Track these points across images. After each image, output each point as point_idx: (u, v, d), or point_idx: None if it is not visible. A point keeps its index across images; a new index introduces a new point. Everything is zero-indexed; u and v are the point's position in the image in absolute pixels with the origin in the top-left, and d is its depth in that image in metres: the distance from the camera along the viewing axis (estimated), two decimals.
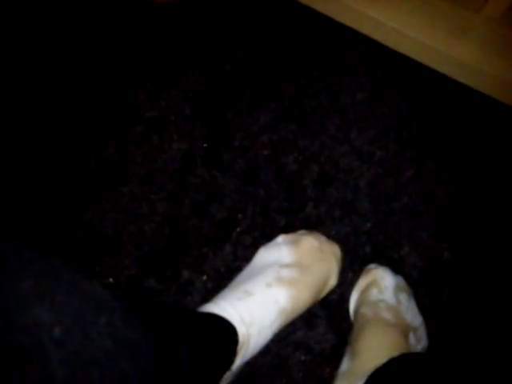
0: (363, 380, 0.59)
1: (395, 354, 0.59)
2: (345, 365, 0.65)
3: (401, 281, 0.74)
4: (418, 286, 0.80)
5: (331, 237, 0.82)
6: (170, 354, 0.43)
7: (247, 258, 0.78)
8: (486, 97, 0.90)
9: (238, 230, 0.82)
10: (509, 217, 0.86)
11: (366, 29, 0.88)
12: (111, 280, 0.78)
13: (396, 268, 0.80)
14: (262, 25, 1.01)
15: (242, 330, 0.58)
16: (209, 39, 0.99)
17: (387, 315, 0.67)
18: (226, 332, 0.57)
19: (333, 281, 0.71)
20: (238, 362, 0.59)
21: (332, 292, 0.75)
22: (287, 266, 0.66)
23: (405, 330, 0.66)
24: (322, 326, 0.76)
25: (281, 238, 0.72)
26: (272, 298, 0.63)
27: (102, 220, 0.82)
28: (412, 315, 0.70)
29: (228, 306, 0.59)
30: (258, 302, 0.61)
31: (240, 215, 0.83)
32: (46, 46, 0.96)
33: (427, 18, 0.83)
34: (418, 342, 0.68)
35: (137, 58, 0.96)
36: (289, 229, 0.82)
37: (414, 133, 0.93)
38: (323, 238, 0.72)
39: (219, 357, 0.56)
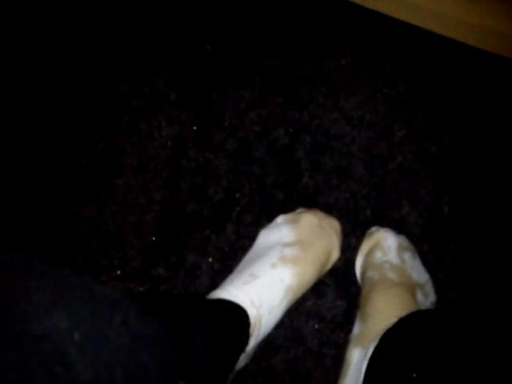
0: (376, 342, 0.60)
1: (404, 313, 0.61)
2: (357, 328, 0.67)
3: (404, 240, 0.76)
4: (422, 243, 0.82)
5: (330, 205, 0.83)
6: (186, 344, 0.45)
7: (250, 236, 0.79)
8: (468, 46, 0.89)
9: (238, 209, 0.83)
10: (504, 165, 0.87)
11: None
12: (119, 272, 0.79)
13: (398, 228, 0.81)
14: (239, 2, 1.00)
15: (252, 312, 0.60)
16: (185, 20, 0.98)
17: (393, 275, 0.68)
18: (237, 316, 0.59)
19: (335, 254, 0.72)
20: (252, 343, 0.61)
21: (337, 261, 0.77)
22: (289, 244, 0.68)
23: (411, 288, 0.68)
24: (331, 293, 0.77)
25: (280, 219, 0.73)
26: (277, 278, 0.65)
27: (102, 215, 0.83)
28: (417, 273, 0.71)
29: (236, 291, 0.61)
30: (265, 284, 0.63)
31: (238, 194, 0.84)
32: (22, 42, 0.95)
33: None
34: (426, 298, 0.69)
35: (116, 47, 0.95)
36: (287, 202, 0.83)
37: (402, 92, 0.93)
38: (322, 214, 0.73)
39: (233, 341, 0.57)
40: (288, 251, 0.67)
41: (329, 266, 0.72)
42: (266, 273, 0.64)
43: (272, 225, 0.73)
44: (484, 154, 0.88)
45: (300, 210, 0.76)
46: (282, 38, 0.97)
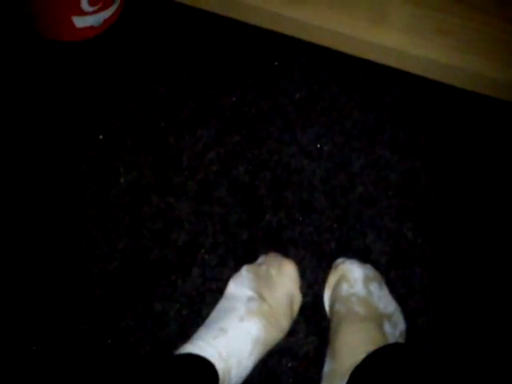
0: (345, 380, 0.63)
1: (371, 348, 0.64)
2: (327, 366, 0.69)
3: (370, 270, 0.79)
4: (389, 271, 0.85)
5: (295, 240, 0.87)
6: None
7: (216, 278, 0.82)
8: (417, 77, 0.95)
9: (202, 251, 0.85)
10: (466, 188, 0.92)
11: (289, 30, 0.92)
12: (86, 326, 0.80)
13: (364, 258, 0.84)
14: (188, 43, 1.04)
15: (220, 366, 0.64)
16: (137, 66, 1.02)
17: (359, 308, 0.71)
18: (206, 371, 0.63)
19: (297, 298, 0.76)
20: None
21: (305, 295, 0.80)
22: (253, 298, 0.72)
23: (379, 320, 0.71)
24: (302, 330, 0.80)
25: (244, 270, 0.77)
26: (245, 331, 0.69)
27: (64, 267, 0.84)
28: (385, 303, 0.74)
29: (206, 346, 0.66)
30: (233, 337, 0.68)
31: (201, 236, 0.87)
32: None
33: (346, 10, 0.88)
34: (395, 328, 0.73)
35: (68, 98, 0.98)
36: (252, 241, 0.85)
37: (357, 121, 0.98)
38: (278, 260, 0.77)
39: None
40: (253, 304, 0.71)
41: (295, 310, 0.76)
42: (234, 326, 0.69)
43: (237, 275, 0.77)
44: (443, 178, 0.93)
45: (261, 258, 0.80)
46: (235, 76, 1.01)
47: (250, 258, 0.82)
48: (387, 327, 0.71)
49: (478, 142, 0.96)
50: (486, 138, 0.97)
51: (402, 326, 0.74)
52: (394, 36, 0.88)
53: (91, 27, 0.98)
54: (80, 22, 0.96)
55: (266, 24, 0.94)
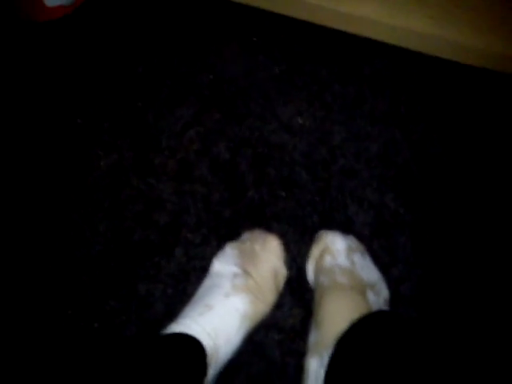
0: (330, 349, 0.64)
1: (355, 316, 0.65)
2: (312, 337, 0.70)
3: (352, 241, 0.80)
4: (372, 241, 0.86)
5: (278, 215, 0.87)
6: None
7: (200, 257, 0.83)
8: (396, 47, 0.95)
9: (185, 231, 0.85)
10: (446, 157, 0.93)
11: (266, 5, 0.92)
12: (70, 312, 0.81)
13: (347, 229, 0.85)
14: (163, 20, 1.03)
15: (208, 343, 0.64)
16: (112, 45, 1.01)
17: (343, 279, 0.72)
18: (194, 348, 0.63)
19: (282, 272, 0.77)
20: (212, 372, 0.64)
21: (289, 268, 0.80)
22: (239, 274, 0.72)
23: (362, 289, 0.72)
24: (287, 302, 0.80)
25: (228, 248, 0.78)
26: (232, 307, 0.69)
27: (47, 253, 0.84)
28: (368, 272, 0.75)
29: (192, 323, 0.65)
30: (220, 314, 0.68)
31: (184, 216, 0.87)
32: None
33: None
34: (379, 296, 0.73)
35: (43, 80, 0.97)
36: (235, 218, 0.86)
37: (338, 95, 0.98)
38: (262, 237, 0.77)
39: (192, 373, 0.61)
40: (239, 280, 0.71)
41: (281, 284, 0.77)
42: (220, 303, 0.69)
43: (221, 253, 0.77)
44: (424, 148, 0.94)
45: (245, 234, 0.80)
46: (214, 54, 1.01)
47: (234, 236, 0.82)
48: (371, 296, 0.72)
49: (458, 110, 0.97)
50: (465, 106, 0.97)
51: (385, 294, 0.75)
52: (370, 6, 0.88)
53: (62, 6, 0.98)
54: (51, 0, 0.95)
55: None
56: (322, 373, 0.63)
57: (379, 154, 0.93)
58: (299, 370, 0.74)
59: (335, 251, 0.76)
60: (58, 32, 1.01)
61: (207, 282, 0.75)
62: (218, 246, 0.82)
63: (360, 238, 0.83)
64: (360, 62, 1.01)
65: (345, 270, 0.74)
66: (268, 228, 0.85)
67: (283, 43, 1.02)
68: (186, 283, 0.82)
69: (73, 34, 1.01)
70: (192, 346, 0.64)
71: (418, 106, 0.97)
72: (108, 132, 0.93)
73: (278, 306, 0.79)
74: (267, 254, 0.75)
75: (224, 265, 0.75)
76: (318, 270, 0.77)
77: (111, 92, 0.97)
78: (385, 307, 0.74)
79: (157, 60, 1.00)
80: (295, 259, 0.83)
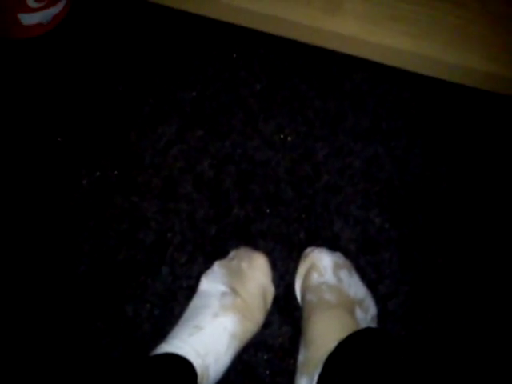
0: (319, 368, 0.64)
1: (343, 335, 0.65)
2: (301, 356, 0.71)
3: (339, 257, 0.80)
4: (358, 257, 0.87)
5: (264, 232, 0.87)
6: None
7: (186, 275, 0.82)
8: (376, 63, 0.97)
9: (171, 249, 0.85)
10: (429, 171, 0.94)
11: (246, 22, 0.93)
12: (56, 332, 0.79)
13: (333, 246, 0.86)
14: (144, 38, 1.03)
15: (198, 363, 0.64)
16: (93, 63, 1.00)
17: (330, 296, 0.73)
18: (184, 368, 0.63)
19: (270, 290, 0.77)
20: None
21: (277, 286, 0.81)
22: (226, 293, 0.73)
23: (350, 307, 0.72)
24: (276, 321, 0.81)
25: (216, 266, 0.78)
26: (220, 327, 0.69)
27: (32, 273, 0.83)
28: (355, 289, 0.76)
29: (181, 344, 0.66)
30: (209, 334, 0.68)
31: (169, 234, 0.87)
32: None
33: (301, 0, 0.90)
34: (367, 313, 0.74)
35: (23, 98, 0.96)
36: (220, 236, 0.86)
37: (319, 110, 0.99)
38: (249, 254, 0.77)
39: None
40: (227, 299, 0.72)
41: (269, 302, 0.77)
42: (209, 323, 0.69)
43: (210, 271, 0.77)
44: (406, 162, 0.95)
45: (232, 252, 0.80)
46: (195, 71, 1.01)
47: (220, 254, 0.82)
48: (358, 313, 0.72)
49: (439, 125, 0.99)
50: (446, 120, 0.99)
51: (373, 310, 0.76)
52: (350, 24, 0.90)
53: (39, 24, 0.97)
54: (26, 19, 0.94)
55: (222, 16, 0.94)
56: None
57: (362, 169, 0.94)
58: None
59: (322, 268, 0.77)
60: (38, 50, 1.00)
61: (196, 301, 0.75)
62: (205, 265, 0.82)
63: (346, 254, 0.84)
64: (340, 77, 1.02)
65: (332, 287, 0.74)
66: (254, 245, 0.85)
67: (263, 59, 1.03)
68: (173, 303, 0.81)
69: (53, 51, 1.00)
70: (182, 367, 0.64)
71: (400, 120, 0.98)
72: (90, 150, 0.92)
73: (267, 324, 0.79)
74: (254, 272, 0.75)
75: (212, 283, 0.75)
76: (306, 287, 0.77)
77: (92, 110, 0.96)
78: (373, 324, 0.75)
79: (138, 78, 0.99)
80: (283, 277, 0.84)
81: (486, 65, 0.88)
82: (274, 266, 0.82)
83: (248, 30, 1.01)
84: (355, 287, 0.77)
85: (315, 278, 0.77)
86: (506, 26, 0.92)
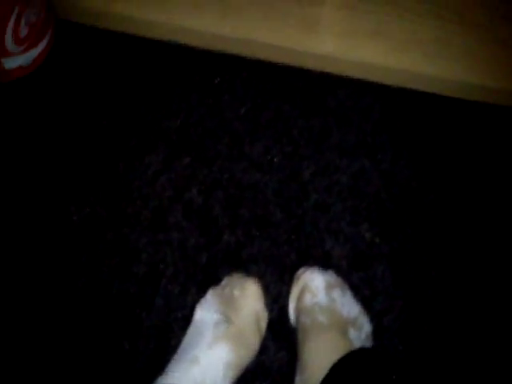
0: None
1: (336, 358, 0.66)
2: (297, 380, 0.71)
3: (331, 276, 0.81)
4: (351, 274, 0.87)
5: (255, 256, 0.88)
6: None
7: (181, 306, 0.83)
8: (358, 79, 0.98)
9: (164, 281, 0.86)
10: (415, 182, 0.95)
11: (226, 48, 0.94)
12: (53, 371, 0.80)
13: (325, 264, 0.86)
14: (126, 70, 1.04)
15: None
16: (76, 100, 1.01)
17: (323, 318, 0.73)
18: None
19: (264, 315, 0.78)
20: None
21: (271, 310, 0.81)
22: (220, 321, 0.73)
23: (343, 327, 0.73)
24: (272, 346, 0.81)
25: (209, 294, 0.78)
26: (216, 357, 0.70)
27: (28, 314, 0.83)
28: (348, 308, 0.76)
29: (180, 376, 0.67)
30: (205, 365, 0.69)
31: (161, 265, 0.87)
32: None
33: (280, 21, 0.90)
34: (360, 331, 0.74)
35: (7, 139, 0.97)
36: (212, 263, 0.86)
37: (304, 130, 1.00)
38: (240, 281, 0.78)
39: None
40: (221, 328, 0.72)
41: (263, 327, 0.78)
42: (205, 353, 0.70)
43: (203, 300, 0.78)
44: (393, 175, 0.96)
45: (225, 280, 0.81)
46: (178, 99, 1.02)
47: (213, 282, 0.82)
48: (352, 333, 0.73)
49: (423, 137, 0.99)
50: (429, 132, 1.00)
51: (367, 328, 0.76)
52: (328, 42, 0.91)
53: (20, 67, 0.98)
54: (8, 63, 0.95)
55: (201, 43, 0.95)
56: None
57: (350, 185, 0.95)
58: None
59: (314, 289, 0.77)
60: (20, 91, 1.01)
61: (191, 331, 0.75)
62: (198, 294, 0.82)
63: (339, 271, 0.85)
64: (323, 94, 1.03)
65: (325, 308, 0.75)
66: (246, 270, 0.85)
67: (246, 82, 1.04)
68: (168, 335, 0.82)
69: (35, 91, 1.01)
70: None
71: (384, 134, 0.99)
72: (78, 186, 0.93)
73: (263, 350, 0.79)
74: (247, 299, 0.76)
75: (206, 312, 0.76)
76: (299, 309, 0.78)
77: (78, 147, 0.97)
78: (368, 342, 0.75)
79: (122, 110, 1.00)
80: (276, 300, 0.84)
81: (466, 75, 0.89)
82: (266, 289, 0.83)
83: (229, 54, 1.02)
84: (348, 306, 0.77)
85: (308, 299, 0.77)
86: (484, 36, 0.93)
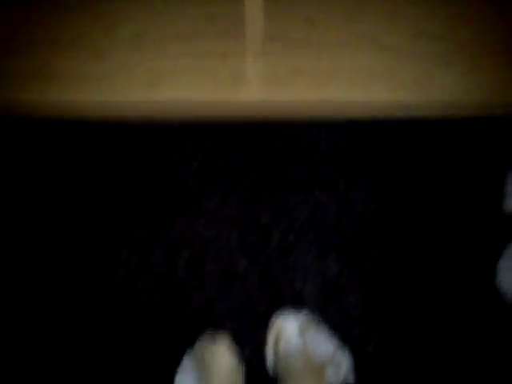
0: None
1: None
2: None
3: (304, 318, 0.81)
4: (325, 309, 0.87)
5: (228, 309, 0.88)
6: None
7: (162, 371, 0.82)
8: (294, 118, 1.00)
9: (141, 349, 0.85)
10: (372, 202, 0.96)
11: (158, 112, 0.96)
12: None
13: (298, 303, 0.86)
14: (62, 159, 1.06)
15: None
16: (46, 208, 1.02)
17: (298, 363, 0.73)
18: None
19: (238, 370, 0.78)
20: None
21: (249, 362, 0.81)
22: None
23: (319, 369, 0.73)
24: None
25: (185, 360, 0.79)
26: None
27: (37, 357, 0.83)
28: (324, 347, 0.76)
29: None
30: None
31: (136, 334, 0.87)
32: None
33: (211, 77, 0.93)
34: (339, 368, 0.74)
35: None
36: (184, 325, 0.86)
37: (255, 177, 1.01)
38: (211, 342, 0.78)
39: None
40: None
41: (239, 381, 0.77)
42: None
43: (181, 367, 0.79)
44: (348, 201, 0.96)
45: (198, 343, 0.81)
46: (136, 171, 1.03)
47: (188, 345, 0.82)
48: (329, 372, 0.73)
49: (370, 158, 1.01)
50: (375, 153, 1.01)
51: (346, 362, 0.76)
52: (256, 89, 0.93)
53: None
54: None
55: (137, 112, 0.97)
56: None
57: (310, 219, 0.95)
58: None
59: (288, 335, 0.78)
60: None
61: None
62: (178, 361, 0.82)
63: (313, 308, 0.85)
64: (268, 138, 1.05)
65: (299, 352, 0.75)
66: (221, 326, 0.85)
67: (195, 138, 1.05)
68: None
69: None
70: None
71: (334, 163, 1.00)
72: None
73: None
74: (218, 359, 0.76)
75: (185, 376, 0.76)
76: (276, 357, 0.77)
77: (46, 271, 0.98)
78: (349, 375, 0.75)
79: (69, 202, 1.01)
80: (255, 351, 0.83)
81: (391, 95, 0.91)
82: (243, 341, 0.82)
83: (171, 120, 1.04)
84: (324, 345, 0.77)
85: (283, 345, 0.77)
86: (399, 57, 0.95)
